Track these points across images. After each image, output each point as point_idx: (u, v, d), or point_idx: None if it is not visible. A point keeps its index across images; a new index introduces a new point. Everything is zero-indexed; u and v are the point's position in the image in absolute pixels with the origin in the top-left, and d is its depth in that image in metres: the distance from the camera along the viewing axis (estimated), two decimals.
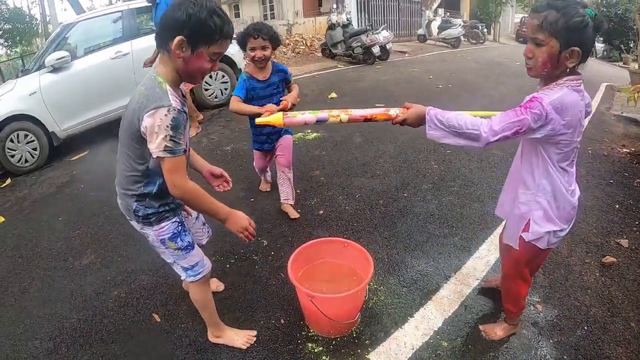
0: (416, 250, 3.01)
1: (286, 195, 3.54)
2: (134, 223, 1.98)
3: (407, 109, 1.83)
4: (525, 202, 1.85)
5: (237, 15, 26.20)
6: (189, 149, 2.02)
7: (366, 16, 17.51)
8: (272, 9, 24.08)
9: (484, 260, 2.87)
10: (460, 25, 18.91)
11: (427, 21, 19.95)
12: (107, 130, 6.71)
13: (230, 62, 7.70)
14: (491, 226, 3.25)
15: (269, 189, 4.09)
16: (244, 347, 2.30)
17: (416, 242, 3.10)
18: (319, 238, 2.62)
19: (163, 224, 1.94)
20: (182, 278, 2.17)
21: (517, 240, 1.92)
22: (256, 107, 3.13)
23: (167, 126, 1.60)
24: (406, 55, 15.15)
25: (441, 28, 18.96)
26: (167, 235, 1.96)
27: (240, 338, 2.33)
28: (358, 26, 15.16)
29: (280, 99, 3.27)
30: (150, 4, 5.66)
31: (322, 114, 1.94)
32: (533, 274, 2.15)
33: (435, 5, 24.99)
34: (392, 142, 5.11)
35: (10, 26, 24.55)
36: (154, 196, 1.88)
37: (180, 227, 2.00)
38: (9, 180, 5.63)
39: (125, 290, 2.93)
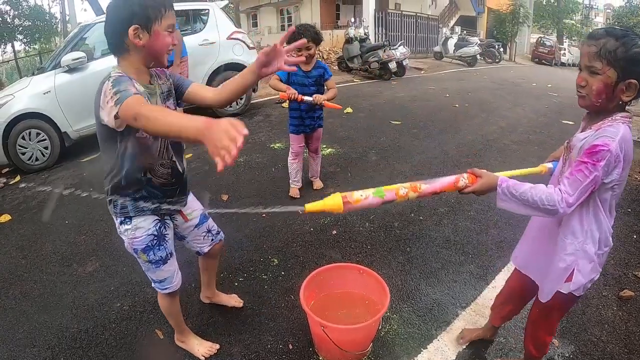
0: (431, 277, 2.90)
1: (312, 172, 4.38)
2: (116, 222, 1.98)
3: (475, 175, 1.69)
4: (572, 252, 1.68)
5: (255, 24, 26.42)
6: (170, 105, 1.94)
7: (383, 31, 17.50)
8: (289, 20, 24.28)
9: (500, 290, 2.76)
10: (476, 43, 18.89)
11: (443, 38, 19.91)
12: None
13: None
14: (508, 254, 3.06)
15: (298, 196, 4.20)
16: (203, 358, 2.33)
17: (431, 268, 3.00)
18: (331, 260, 2.55)
19: (139, 233, 1.93)
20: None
21: (552, 294, 1.76)
22: (285, 86, 3.68)
23: (111, 89, 1.59)
24: (422, 72, 15.10)
25: (458, 46, 18.91)
26: (141, 246, 1.95)
27: (201, 348, 2.36)
28: (375, 41, 15.13)
29: (313, 96, 3.67)
30: None
31: (389, 194, 1.66)
32: (561, 319, 2.02)
33: (452, 22, 25.03)
34: (407, 162, 5.03)
35: (30, 23, 24.68)
36: (125, 186, 1.86)
37: (155, 241, 1.98)
38: (18, 178, 5.61)
39: (128, 302, 2.86)
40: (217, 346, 2.39)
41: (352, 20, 14.29)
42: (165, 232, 2.02)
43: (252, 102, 8.26)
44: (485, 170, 1.69)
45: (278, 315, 2.61)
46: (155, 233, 1.97)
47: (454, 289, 2.79)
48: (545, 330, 1.94)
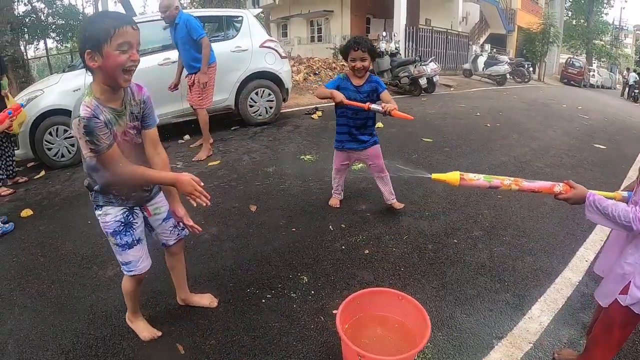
0: (466, 304, 2.80)
1: (386, 196, 4.00)
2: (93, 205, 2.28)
3: (570, 186, 1.96)
4: (632, 262, 1.81)
5: (285, 34, 26.62)
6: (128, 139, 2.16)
7: (413, 46, 17.45)
8: (319, 31, 24.41)
9: (536, 321, 2.65)
10: (506, 62, 18.72)
11: (473, 56, 19.79)
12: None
13: (278, 81, 7.67)
14: (544, 283, 3.04)
15: (338, 205, 4.18)
16: (145, 340, 2.53)
17: (466, 295, 2.89)
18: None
19: (107, 218, 2.21)
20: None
21: (611, 301, 1.88)
22: (329, 91, 3.56)
23: (83, 133, 1.87)
24: (452, 89, 15.00)
25: (487, 64, 18.77)
26: (109, 230, 2.24)
27: (146, 332, 2.56)
28: (405, 56, 15.07)
29: (382, 105, 3.50)
30: (169, 25, 5.74)
31: (496, 181, 2.07)
32: (623, 342, 2.00)
33: (482, 40, 24.91)
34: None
35: (63, 22, 25.27)
36: (96, 187, 2.17)
37: (122, 227, 2.24)
38: (42, 173, 5.66)
39: (149, 312, 2.78)
40: (159, 333, 2.56)
41: (383, 34, 14.26)
42: (134, 221, 2.29)
43: (281, 111, 8.20)
44: (579, 185, 1.96)
45: (307, 337, 2.52)
46: (122, 220, 2.24)
47: (489, 318, 2.68)
48: (604, 346, 1.98)
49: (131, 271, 2.35)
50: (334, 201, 4.21)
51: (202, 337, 2.54)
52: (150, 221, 2.42)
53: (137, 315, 2.60)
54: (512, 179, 2.07)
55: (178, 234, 2.56)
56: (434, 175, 2.18)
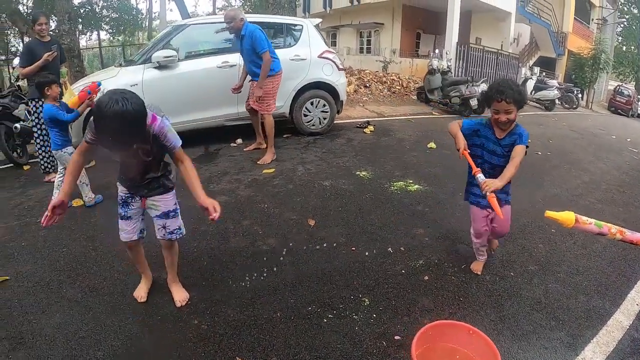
0: (523, 340, 2.85)
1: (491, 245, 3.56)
2: None
3: None
4: None
5: (334, 44, 26.72)
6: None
7: (463, 65, 17.32)
8: (368, 43, 24.46)
9: None
10: (556, 87, 18.40)
11: (523, 79, 19.49)
12: (198, 134, 6.93)
13: (334, 92, 7.74)
14: (596, 324, 3.06)
15: (480, 272, 3.57)
16: (139, 300, 3.05)
17: (523, 331, 2.94)
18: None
19: (118, 191, 2.87)
20: None
21: None
22: (457, 135, 3.14)
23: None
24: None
25: (536, 88, 18.46)
26: (118, 198, 2.87)
27: (140, 294, 3.09)
28: (455, 74, 15.01)
29: (484, 181, 2.86)
30: (235, 36, 5.90)
31: (604, 228, 2.21)
32: None
33: (531, 62, 24.54)
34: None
35: (117, 15, 26.02)
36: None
37: (121, 202, 2.84)
38: (93, 163, 5.92)
39: (207, 322, 2.85)
40: (145, 299, 3.07)
41: (437, 51, 14.23)
42: (131, 202, 2.83)
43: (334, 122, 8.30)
44: None
45: None
46: (123, 197, 2.83)
47: (544, 356, 2.72)
48: None
49: (121, 236, 2.91)
50: (477, 266, 3.61)
51: (262, 353, 2.58)
52: (150, 210, 2.88)
53: (144, 276, 3.16)
54: (617, 228, 2.17)
55: (163, 235, 2.93)
56: (548, 213, 2.22)
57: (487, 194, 2.76)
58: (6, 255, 3.73)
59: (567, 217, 2.14)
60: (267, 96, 5.88)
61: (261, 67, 5.67)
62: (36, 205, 4.82)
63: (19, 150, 6.52)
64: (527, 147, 3.03)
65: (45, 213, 2.37)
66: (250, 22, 5.82)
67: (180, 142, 2.60)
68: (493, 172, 3.11)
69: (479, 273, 3.55)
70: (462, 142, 3.07)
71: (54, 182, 5.19)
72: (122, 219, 2.85)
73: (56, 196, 2.63)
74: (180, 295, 3.08)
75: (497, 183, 2.79)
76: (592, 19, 29.11)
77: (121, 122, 2.09)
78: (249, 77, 6.15)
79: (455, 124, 3.20)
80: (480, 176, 2.91)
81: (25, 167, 6.38)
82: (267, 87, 5.80)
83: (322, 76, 7.58)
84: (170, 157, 2.72)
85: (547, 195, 5.70)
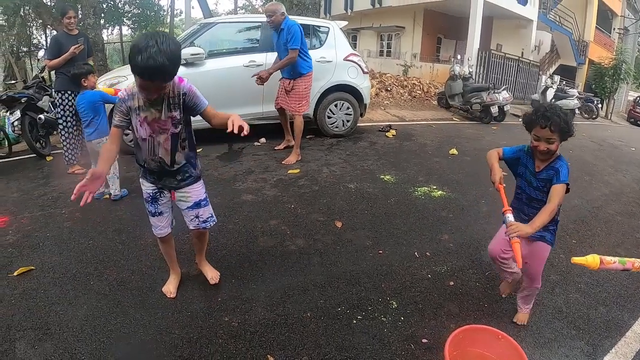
0: (544, 348, 2.94)
1: (521, 304, 3.14)
2: None
3: None
4: None
5: (354, 46, 26.76)
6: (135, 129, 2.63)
7: (484, 72, 17.30)
8: (389, 46, 24.48)
9: None
10: (576, 96, 18.29)
11: (543, 87, 19.39)
12: (222, 132, 7.01)
13: (358, 95, 7.81)
14: (615, 335, 3.14)
15: (504, 295, 3.42)
16: (168, 296, 3.09)
17: (545, 339, 3.03)
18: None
19: (143, 188, 2.86)
20: None
21: None
22: (493, 166, 2.81)
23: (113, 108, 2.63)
24: (520, 119, 14.74)
25: (556, 97, 18.32)
26: (144, 196, 2.87)
27: (170, 289, 3.14)
28: (475, 81, 15.02)
29: (510, 222, 2.54)
30: (274, 29, 5.93)
31: (628, 264, 2.35)
32: None
33: (552, 70, 24.39)
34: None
35: (139, 11, 26.25)
36: (137, 160, 2.80)
37: (149, 199, 2.84)
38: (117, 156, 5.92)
39: (238, 319, 2.89)
40: (174, 295, 3.12)
41: (459, 57, 14.26)
42: (160, 198, 2.84)
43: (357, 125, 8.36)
44: None
45: None
46: (150, 194, 2.82)
47: None
48: None
49: (154, 232, 2.96)
50: (505, 288, 3.44)
51: (294, 352, 2.64)
52: (175, 203, 2.92)
53: (171, 272, 3.21)
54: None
55: (197, 225, 2.99)
56: (575, 259, 2.36)
57: (510, 238, 2.43)
58: (31, 245, 3.80)
59: (592, 261, 2.30)
60: (300, 96, 5.99)
61: (283, 59, 5.79)
62: (60, 197, 4.92)
63: (42, 141, 6.71)
64: (567, 184, 2.60)
65: (81, 183, 2.29)
66: None
67: (207, 102, 2.66)
68: (530, 205, 2.83)
69: (504, 295, 3.42)
70: (498, 174, 2.76)
71: (77, 173, 5.32)
72: (153, 216, 2.90)
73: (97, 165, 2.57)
74: (213, 273, 3.28)
75: (526, 229, 2.42)
76: (614, 28, 28.78)
77: (158, 52, 2.11)
78: (279, 76, 6.24)
79: (494, 152, 2.89)
80: (509, 216, 2.59)
81: (48, 158, 6.55)
82: (298, 88, 5.91)
83: (347, 79, 7.66)
84: (203, 117, 2.66)
85: (568, 206, 5.73)
